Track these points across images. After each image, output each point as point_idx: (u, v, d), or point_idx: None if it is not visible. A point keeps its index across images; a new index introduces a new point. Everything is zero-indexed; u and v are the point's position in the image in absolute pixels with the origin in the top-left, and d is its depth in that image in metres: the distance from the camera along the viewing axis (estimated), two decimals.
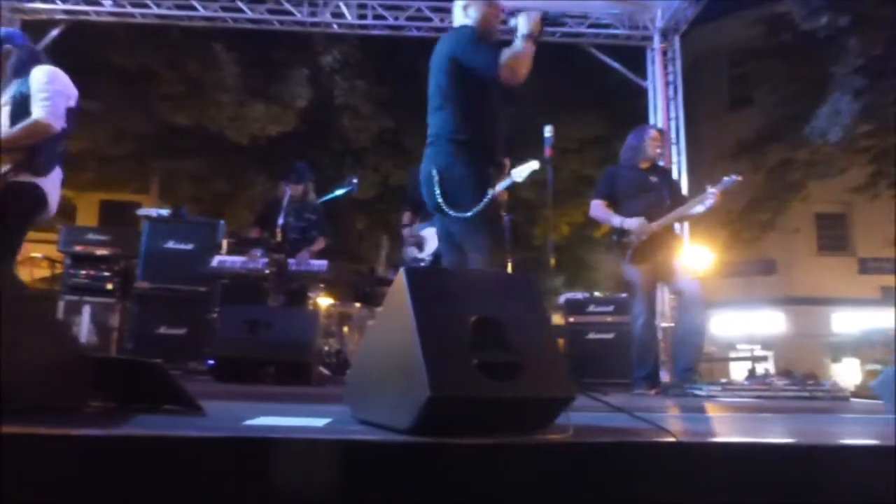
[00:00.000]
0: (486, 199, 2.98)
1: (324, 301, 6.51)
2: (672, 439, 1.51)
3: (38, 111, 3.12)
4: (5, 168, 3.07)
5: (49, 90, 3.18)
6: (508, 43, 3.03)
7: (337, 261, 6.00)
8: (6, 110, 3.20)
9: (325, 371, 5.10)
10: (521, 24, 3.02)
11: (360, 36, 11.41)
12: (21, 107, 3.16)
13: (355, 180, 5.88)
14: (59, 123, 3.18)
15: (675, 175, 7.87)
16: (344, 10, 8.72)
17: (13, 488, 1.30)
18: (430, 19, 8.76)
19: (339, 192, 5.77)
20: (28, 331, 1.63)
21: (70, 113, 3.26)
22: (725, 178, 4.66)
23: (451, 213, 3.04)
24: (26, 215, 3.19)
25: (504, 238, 3.32)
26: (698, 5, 8.17)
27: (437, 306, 1.60)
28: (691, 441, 1.58)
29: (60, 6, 8.44)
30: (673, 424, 1.77)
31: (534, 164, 4.80)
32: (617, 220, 4.75)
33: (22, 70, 3.24)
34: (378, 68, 14.14)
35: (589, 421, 1.89)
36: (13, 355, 1.56)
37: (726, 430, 2.19)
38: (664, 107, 8.78)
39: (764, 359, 15.34)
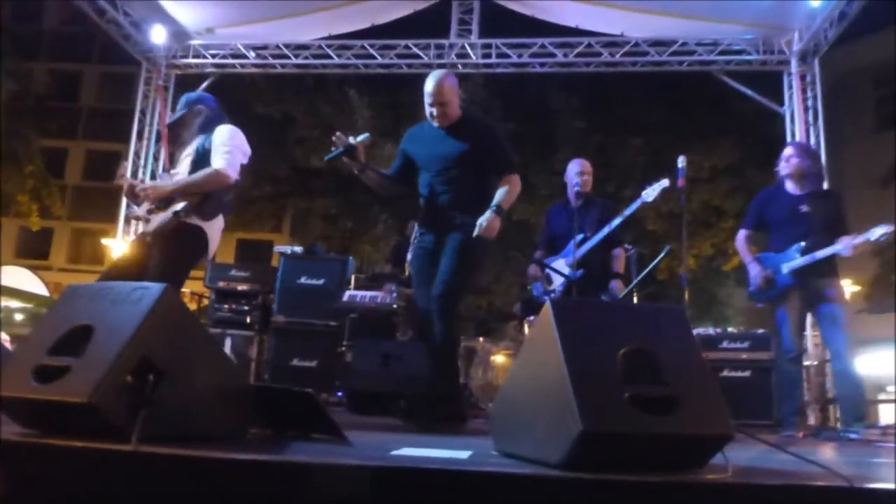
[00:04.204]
0: None
1: None
2: (845, 483, 1.40)
3: (218, 162, 3.43)
4: (181, 206, 3.34)
5: (231, 145, 3.50)
6: None
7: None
8: (188, 160, 3.54)
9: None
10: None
11: (485, 75, 11.64)
12: (203, 158, 3.48)
13: None
14: (234, 175, 3.50)
15: None
16: (469, 50, 8.92)
17: None
18: (553, 55, 8.80)
19: None
20: (200, 360, 1.74)
21: (241, 168, 3.56)
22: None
23: None
24: (190, 255, 3.46)
25: None
26: (840, 25, 7.64)
27: (585, 338, 1.57)
28: (866, 487, 1.45)
29: (210, 60, 9.17)
30: (839, 468, 1.64)
31: (664, 182, 4.68)
32: None
33: (208, 127, 3.58)
34: (504, 105, 14.09)
35: (743, 462, 1.79)
36: (187, 383, 1.68)
37: None
38: (803, 133, 8.32)
39: None
